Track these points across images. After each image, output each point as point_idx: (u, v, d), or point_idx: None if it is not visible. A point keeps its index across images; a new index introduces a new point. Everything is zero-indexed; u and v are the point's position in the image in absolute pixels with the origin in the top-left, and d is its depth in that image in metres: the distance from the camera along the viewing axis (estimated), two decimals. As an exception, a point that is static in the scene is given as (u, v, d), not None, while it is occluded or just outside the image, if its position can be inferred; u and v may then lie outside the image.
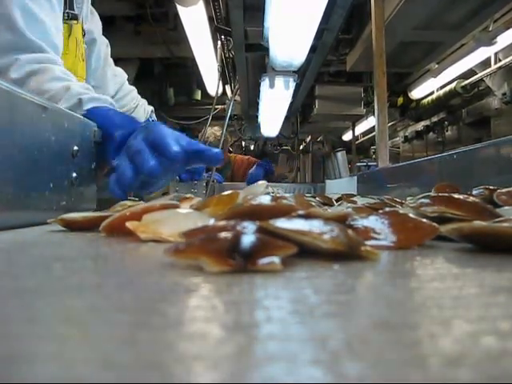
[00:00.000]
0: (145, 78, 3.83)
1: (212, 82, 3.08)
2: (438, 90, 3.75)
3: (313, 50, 1.73)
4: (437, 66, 3.08)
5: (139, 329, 0.14)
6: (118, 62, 1.24)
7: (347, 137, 4.31)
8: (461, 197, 0.37)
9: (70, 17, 0.92)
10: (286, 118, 2.95)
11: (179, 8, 2.19)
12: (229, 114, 2.31)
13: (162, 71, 4.32)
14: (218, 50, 2.34)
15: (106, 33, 1.17)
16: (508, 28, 2.42)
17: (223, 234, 0.23)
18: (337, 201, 0.64)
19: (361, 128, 4.14)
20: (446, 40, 2.24)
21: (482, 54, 2.76)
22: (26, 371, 0.11)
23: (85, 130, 0.67)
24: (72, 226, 0.45)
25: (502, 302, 0.18)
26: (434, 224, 0.32)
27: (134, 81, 3.21)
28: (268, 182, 0.64)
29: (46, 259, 0.29)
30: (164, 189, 0.86)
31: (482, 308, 0.17)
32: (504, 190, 0.45)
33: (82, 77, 0.99)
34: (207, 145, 0.77)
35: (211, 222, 0.33)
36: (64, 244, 0.38)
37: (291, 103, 2.51)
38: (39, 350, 0.12)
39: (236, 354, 0.12)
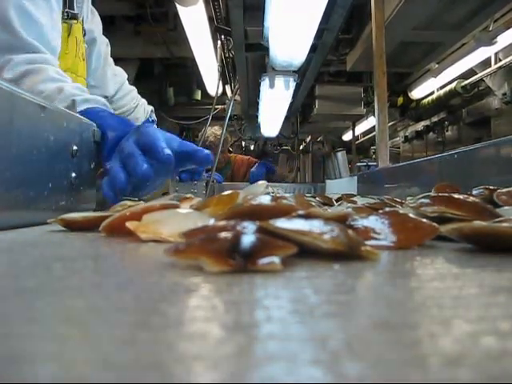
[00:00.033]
0: (145, 78, 3.83)
1: (212, 81, 3.08)
2: (438, 90, 3.75)
3: (313, 49, 1.72)
4: (437, 65, 3.09)
5: (139, 329, 0.14)
6: (117, 61, 1.24)
7: (347, 137, 4.31)
8: (461, 197, 0.37)
9: (69, 16, 0.91)
10: (286, 118, 2.94)
11: (179, 8, 2.19)
12: (229, 114, 2.30)
13: (162, 71, 4.32)
14: (218, 50, 2.33)
15: (105, 33, 1.17)
16: (508, 28, 2.42)
17: (223, 234, 0.23)
18: (337, 201, 0.64)
19: (361, 128, 4.14)
20: (446, 40, 2.24)
21: (482, 53, 2.76)
22: (26, 371, 0.11)
23: (84, 129, 0.67)
24: (72, 226, 0.45)
25: (501, 302, 0.18)
26: (434, 224, 0.32)
27: (134, 81, 3.21)
28: (268, 181, 0.64)
29: (46, 259, 0.29)
30: (164, 189, 0.86)
31: (481, 308, 0.17)
32: (504, 190, 0.45)
33: (83, 76, 0.99)
34: (207, 144, 0.77)
35: (211, 221, 0.33)
36: (64, 244, 0.38)
37: (291, 103, 2.51)
38: (39, 349, 0.12)
39: (236, 353, 0.12)
